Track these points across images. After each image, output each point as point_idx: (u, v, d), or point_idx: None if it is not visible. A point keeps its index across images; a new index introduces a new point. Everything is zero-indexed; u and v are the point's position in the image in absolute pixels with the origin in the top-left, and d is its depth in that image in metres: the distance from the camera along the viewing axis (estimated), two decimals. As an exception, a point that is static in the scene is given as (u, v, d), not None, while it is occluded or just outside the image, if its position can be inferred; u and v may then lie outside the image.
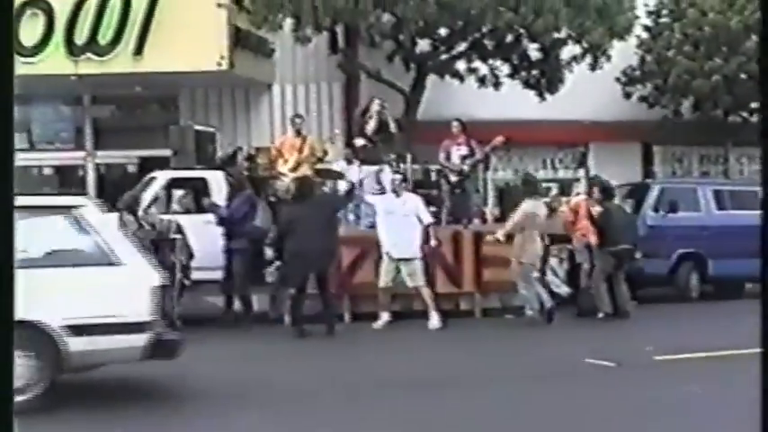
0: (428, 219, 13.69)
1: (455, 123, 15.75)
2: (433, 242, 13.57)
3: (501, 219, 15.98)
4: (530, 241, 13.32)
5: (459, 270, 14.40)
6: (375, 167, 15.11)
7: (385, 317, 13.45)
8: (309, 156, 15.06)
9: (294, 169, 14.75)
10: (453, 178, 15.43)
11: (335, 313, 12.93)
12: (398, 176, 14.10)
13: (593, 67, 17.90)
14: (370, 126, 15.20)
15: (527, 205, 13.66)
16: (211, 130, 16.05)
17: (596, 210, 14.77)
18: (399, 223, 13.35)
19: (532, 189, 15.02)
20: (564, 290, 14.51)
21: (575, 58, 18.04)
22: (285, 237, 12.47)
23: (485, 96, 18.55)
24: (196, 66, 16.79)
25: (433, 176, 16.81)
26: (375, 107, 15.48)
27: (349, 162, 15.65)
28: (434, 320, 13.28)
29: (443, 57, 18.19)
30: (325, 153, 15.67)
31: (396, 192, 13.74)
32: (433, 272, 14.03)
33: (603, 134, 21.02)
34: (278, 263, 13.01)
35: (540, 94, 18.57)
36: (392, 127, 15.65)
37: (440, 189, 16.25)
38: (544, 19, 16.25)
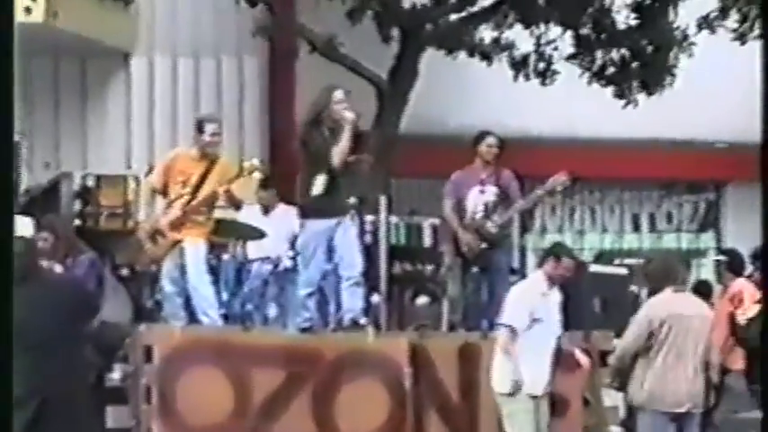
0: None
1: (490, 140, 13.41)
2: None
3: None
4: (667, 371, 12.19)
5: (469, 412, 13.23)
6: (330, 222, 12.86)
7: None
8: (214, 194, 13.55)
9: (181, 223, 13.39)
10: (471, 244, 13.29)
11: None
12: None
13: (743, 37, 16.88)
14: (342, 146, 12.66)
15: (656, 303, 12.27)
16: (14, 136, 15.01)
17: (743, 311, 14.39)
18: (538, 342, 12.17)
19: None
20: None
21: (704, 23, 17.05)
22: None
23: (526, 94, 18.36)
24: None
25: (427, 239, 16.85)
26: (339, 109, 12.66)
27: (266, 211, 14.68)
28: None
29: (451, 17, 17.41)
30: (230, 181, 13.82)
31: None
32: (419, 415, 13.00)
33: (750, 168, 20.01)
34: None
35: (626, 95, 17.77)
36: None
37: (438, 264, 15.29)
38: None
